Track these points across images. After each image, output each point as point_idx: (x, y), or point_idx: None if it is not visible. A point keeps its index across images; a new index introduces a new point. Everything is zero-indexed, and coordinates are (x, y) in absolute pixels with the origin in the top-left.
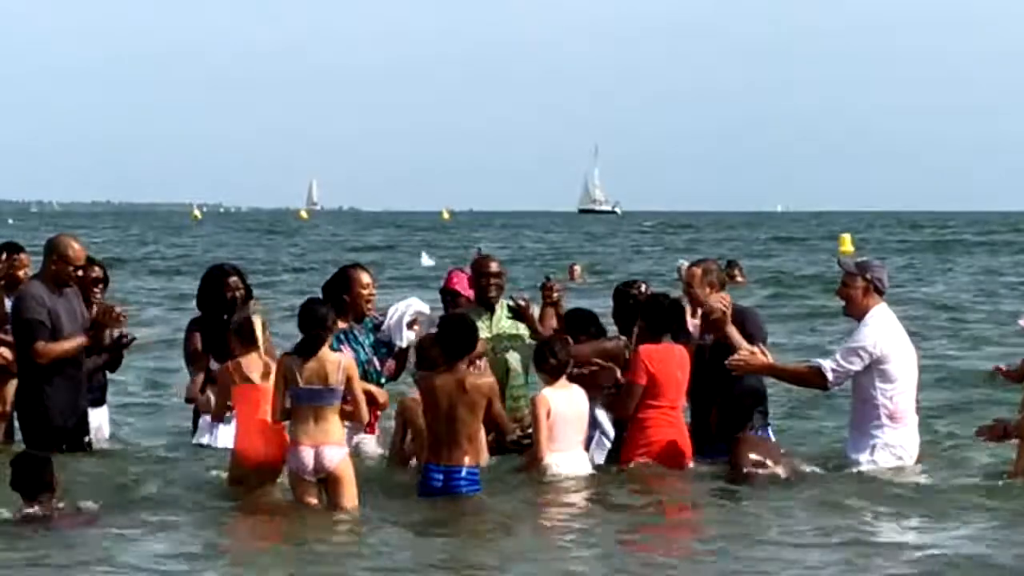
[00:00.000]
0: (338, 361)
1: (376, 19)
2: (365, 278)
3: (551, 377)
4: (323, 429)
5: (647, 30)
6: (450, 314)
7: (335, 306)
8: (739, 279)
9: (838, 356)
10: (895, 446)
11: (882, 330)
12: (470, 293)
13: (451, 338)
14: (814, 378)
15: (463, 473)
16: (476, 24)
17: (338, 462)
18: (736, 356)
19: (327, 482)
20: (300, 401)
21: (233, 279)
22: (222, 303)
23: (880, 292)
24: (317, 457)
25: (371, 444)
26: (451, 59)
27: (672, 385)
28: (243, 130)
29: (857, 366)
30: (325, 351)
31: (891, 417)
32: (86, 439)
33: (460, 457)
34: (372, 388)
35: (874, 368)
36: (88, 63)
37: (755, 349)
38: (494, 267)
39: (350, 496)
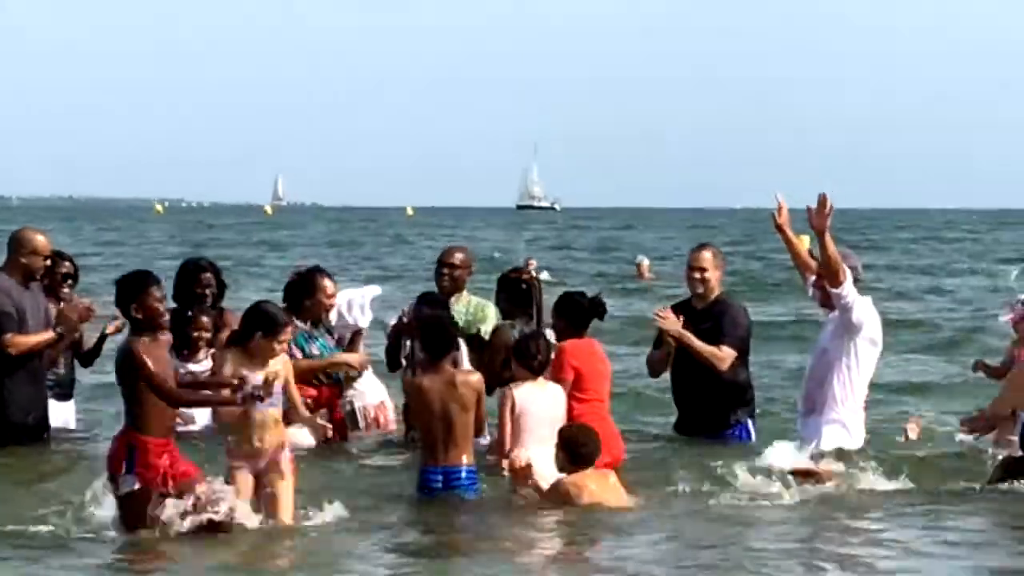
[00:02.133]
0: None
1: (347, 16)
2: (330, 287)
3: (531, 374)
4: None
5: (618, 19)
6: (427, 315)
7: (294, 307)
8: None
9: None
10: (848, 431)
11: (870, 311)
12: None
13: (431, 339)
14: (715, 360)
15: (463, 473)
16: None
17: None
18: (657, 311)
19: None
20: None
21: (206, 275)
22: (192, 298)
23: (857, 280)
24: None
25: None
26: (417, 52)
27: (596, 378)
28: (210, 124)
29: (856, 312)
30: None
31: (846, 402)
32: (45, 434)
33: (458, 457)
34: None
35: (855, 348)
36: (53, 55)
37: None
38: (453, 258)
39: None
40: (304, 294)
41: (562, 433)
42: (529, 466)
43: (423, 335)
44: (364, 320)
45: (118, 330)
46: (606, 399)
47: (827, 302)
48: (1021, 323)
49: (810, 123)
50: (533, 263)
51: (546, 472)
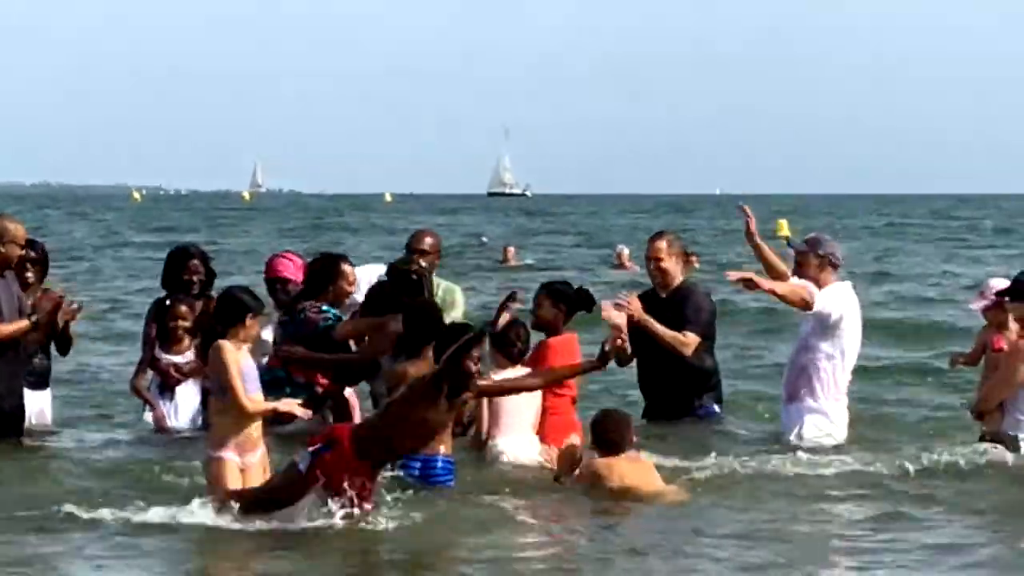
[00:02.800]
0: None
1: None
2: (352, 275)
3: (510, 362)
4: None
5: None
6: (414, 301)
7: (314, 289)
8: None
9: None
10: (828, 419)
11: (841, 300)
12: (300, 278)
13: (416, 326)
14: (679, 345)
15: (439, 463)
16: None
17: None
18: (622, 295)
19: None
20: None
21: (194, 262)
22: (179, 286)
23: (835, 266)
24: None
25: None
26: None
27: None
28: (189, 111)
29: (834, 314)
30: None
31: (827, 390)
32: (24, 424)
33: (436, 446)
34: None
35: (835, 337)
36: (31, 43)
37: (632, 299)
38: (423, 243)
39: None
40: (327, 281)
41: (594, 421)
42: (574, 453)
43: (407, 321)
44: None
45: (73, 315)
46: (575, 391)
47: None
48: (992, 310)
49: (788, 107)
50: (512, 250)
51: (524, 460)
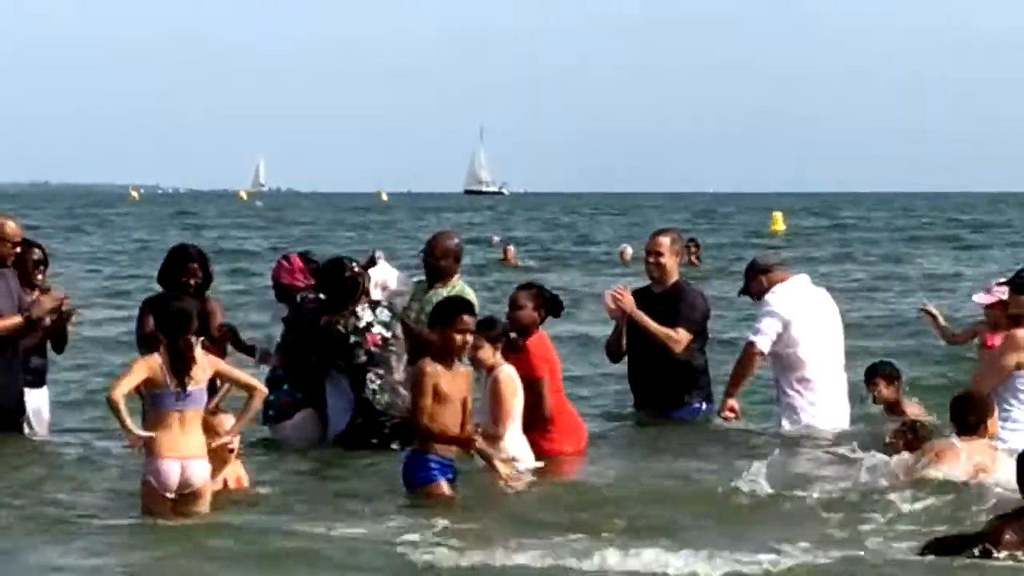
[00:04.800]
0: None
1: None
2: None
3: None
4: (190, 438)
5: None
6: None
7: (322, 288)
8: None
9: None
10: (799, 411)
11: (784, 299)
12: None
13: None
14: (670, 342)
15: (432, 460)
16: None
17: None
18: (616, 288)
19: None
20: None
21: (192, 265)
22: (176, 286)
23: (766, 271)
24: (183, 472)
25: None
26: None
27: (557, 368)
28: (188, 110)
29: (773, 330)
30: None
31: (790, 385)
32: (22, 420)
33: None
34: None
35: (783, 335)
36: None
37: (625, 293)
38: (437, 248)
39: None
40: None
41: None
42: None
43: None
44: (377, 295)
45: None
46: (561, 386)
47: (756, 295)
48: (993, 308)
49: (776, 106)
50: (512, 250)
51: (527, 453)
